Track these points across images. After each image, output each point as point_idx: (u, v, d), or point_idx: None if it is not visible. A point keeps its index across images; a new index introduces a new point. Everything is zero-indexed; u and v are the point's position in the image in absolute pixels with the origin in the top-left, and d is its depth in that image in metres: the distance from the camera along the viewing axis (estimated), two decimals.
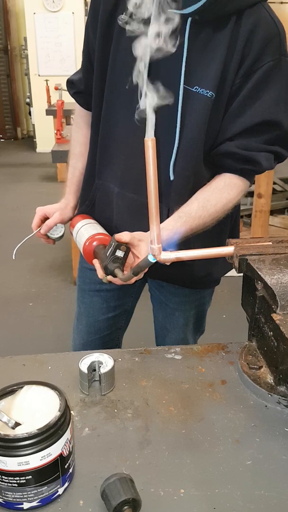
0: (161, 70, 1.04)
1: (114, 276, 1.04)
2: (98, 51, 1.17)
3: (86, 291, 1.46)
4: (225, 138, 1.16)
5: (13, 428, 0.68)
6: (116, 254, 1.03)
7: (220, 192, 1.18)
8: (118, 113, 1.18)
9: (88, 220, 1.29)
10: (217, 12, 1.04)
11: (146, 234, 1.09)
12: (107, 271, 1.05)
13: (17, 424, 0.68)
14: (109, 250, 1.04)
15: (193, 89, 1.09)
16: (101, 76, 1.19)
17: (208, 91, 1.09)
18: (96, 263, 1.12)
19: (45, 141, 7.13)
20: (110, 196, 1.26)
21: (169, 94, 1.08)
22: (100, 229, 1.24)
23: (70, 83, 1.38)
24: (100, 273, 1.09)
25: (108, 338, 1.50)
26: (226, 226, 1.31)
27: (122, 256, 1.04)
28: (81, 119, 1.40)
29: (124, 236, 1.05)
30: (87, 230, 1.23)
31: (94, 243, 1.17)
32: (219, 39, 1.07)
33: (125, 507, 0.64)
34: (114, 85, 1.17)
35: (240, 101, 1.12)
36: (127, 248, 1.05)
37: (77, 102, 1.40)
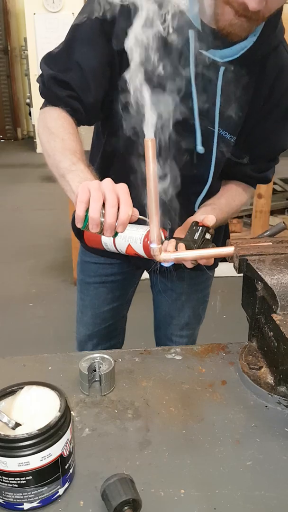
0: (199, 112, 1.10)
1: None
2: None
3: (91, 283, 1.47)
4: (241, 163, 1.25)
5: (13, 428, 0.68)
6: (205, 237, 1.08)
7: (240, 195, 1.29)
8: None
9: None
10: (248, 60, 1.06)
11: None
12: None
13: (17, 425, 0.68)
14: (197, 234, 1.07)
15: (219, 130, 1.14)
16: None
17: (232, 137, 1.15)
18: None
19: None
20: None
21: (204, 136, 1.12)
22: (142, 227, 1.17)
23: (65, 84, 1.10)
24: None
25: (113, 327, 1.52)
26: (221, 226, 1.36)
27: (210, 238, 1.09)
28: (68, 124, 1.10)
29: (210, 220, 1.08)
30: (129, 230, 1.17)
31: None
32: (245, 85, 1.10)
33: (126, 508, 0.64)
34: None
35: (261, 134, 1.20)
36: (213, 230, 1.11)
37: (68, 110, 1.10)
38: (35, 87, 7.51)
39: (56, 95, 1.10)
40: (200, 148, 1.13)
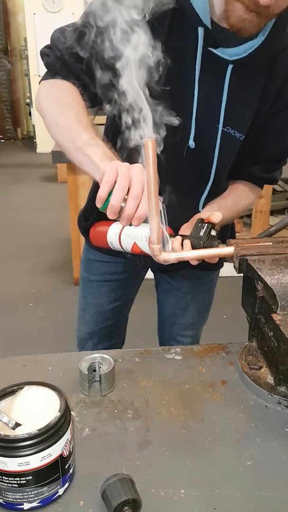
0: (199, 109, 1.09)
1: None
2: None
3: (94, 281, 1.47)
4: (249, 162, 1.24)
5: (13, 428, 0.68)
6: (211, 233, 1.07)
7: (247, 195, 1.30)
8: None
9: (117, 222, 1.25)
10: (257, 59, 1.06)
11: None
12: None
13: (17, 425, 0.68)
14: (202, 231, 1.06)
15: (225, 129, 1.13)
16: None
17: (241, 135, 1.14)
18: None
19: (45, 142, 7.13)
20: None
21: (205, 133, 1.12)
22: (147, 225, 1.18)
23: (81, 58, 1.01)
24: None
25: (114, 326, 1.52)
26: (227, 226, 1.35)
27: (215, 235, 1.08)
28: (81, 101, 1.06)
29: (216, 216, 1.08)
30: (135, 228, 1.16)
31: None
32: (254, 84, 1.10)
33: (126, 508, 0.64)
34: None
35: (269, 135, 1.19)
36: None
37: (79, 84, 1.06)
38: (35, 87, 7.52)
39: (69, 67, 1.05)
40: (191, 143, 1.12)
